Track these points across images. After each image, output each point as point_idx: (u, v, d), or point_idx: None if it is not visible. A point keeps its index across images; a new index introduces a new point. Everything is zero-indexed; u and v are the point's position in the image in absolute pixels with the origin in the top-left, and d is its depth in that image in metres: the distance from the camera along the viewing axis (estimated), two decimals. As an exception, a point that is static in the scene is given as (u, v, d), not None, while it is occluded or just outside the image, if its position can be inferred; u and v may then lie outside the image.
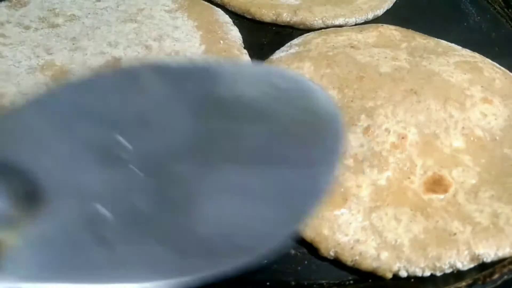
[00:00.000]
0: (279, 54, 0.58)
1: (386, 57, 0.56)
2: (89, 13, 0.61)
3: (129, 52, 0.56)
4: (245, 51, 0.60)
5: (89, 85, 0.35)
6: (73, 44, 0.57)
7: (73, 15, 0.61)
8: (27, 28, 0.58)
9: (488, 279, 0.40)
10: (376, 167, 0.46)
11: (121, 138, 0.32)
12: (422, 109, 0.50)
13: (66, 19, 0.60)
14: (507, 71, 0.58)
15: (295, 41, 0.60)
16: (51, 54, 0.56)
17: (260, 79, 0.38)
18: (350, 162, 0.46)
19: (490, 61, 0.58)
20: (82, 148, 0.31)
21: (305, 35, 0.61)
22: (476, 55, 0.59)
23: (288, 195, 0.33)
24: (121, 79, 0.36)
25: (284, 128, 0.36)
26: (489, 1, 0.71)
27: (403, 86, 0.52)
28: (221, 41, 0.59)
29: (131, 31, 0.59)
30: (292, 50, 0.58)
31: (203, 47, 0.58)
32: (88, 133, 0.32)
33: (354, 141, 0.48)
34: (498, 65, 0.58)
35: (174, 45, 0.58)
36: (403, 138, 0.48)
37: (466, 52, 0.59)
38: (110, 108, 0.34)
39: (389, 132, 0.48)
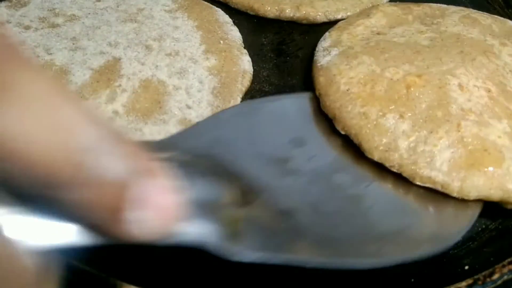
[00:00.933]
0: (325, 58, 0.56)
1: (413, 33, 0.57)
2: (89, 13, 0.61)
3: (129, 52, 0.56)
4: (245, 51, 0.60)
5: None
6: (73, 44, 0.57)
7: (73, 15, 0.61)
8: (27, 28, 0.58)
9: (488, 279, 0.40)
10: (494, 117, 0.48)
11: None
12: (479, 65, 0.52)
13: (66, 19, 0.60)
14: (492, 15, 0.62)
15: (324, 43, 0.59)
16: (51, 54, 0.56)
17: None
18: (473, 117, 0.47)
19: (473, 10, 0.62)
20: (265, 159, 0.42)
21: (325, 36, 0.60)
22: (463, 7, 0.63)
23: None
24: None
25: None
26: (489, 1, 0.70)
27: (451, 52, 0.54)
28: (221, 41, 0.59)
29: (131, 31, 0.59)
30: (335, 52, 0.57)
31: (203, 47, 0.58)
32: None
33: (459, 98, 0.49)
34: (479, 11, 0.62)
35: (174, 45, 0.58)
36: (489, 91, 0.50)
37: (455, 7, 0.62)
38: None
39: (478, 88, 0.50)
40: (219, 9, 0.64)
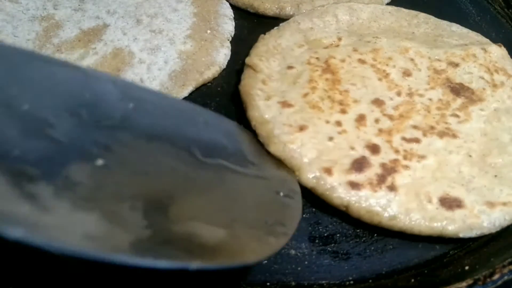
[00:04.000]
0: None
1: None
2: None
3: (120, 22, 0.57)
4: (228, 44, 0.56)
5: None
6: (79, 5, 0.60)
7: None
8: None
9: (488, 279, 0.38)
10: None
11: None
12: None
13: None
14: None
15: None
16: (56, 9, 0.60)
17: None
18: None
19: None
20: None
21: None
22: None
23: None
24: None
25: None
26: (489, 1, 0.69)
27: None
28: (208, 31, 0.58)
29: (133, 4, 0.60)
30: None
31: (188, 32, 0.57)
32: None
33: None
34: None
35: (163, 24, 0.57)
36: None
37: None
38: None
39: None
40: (226, 3, 0.63)
